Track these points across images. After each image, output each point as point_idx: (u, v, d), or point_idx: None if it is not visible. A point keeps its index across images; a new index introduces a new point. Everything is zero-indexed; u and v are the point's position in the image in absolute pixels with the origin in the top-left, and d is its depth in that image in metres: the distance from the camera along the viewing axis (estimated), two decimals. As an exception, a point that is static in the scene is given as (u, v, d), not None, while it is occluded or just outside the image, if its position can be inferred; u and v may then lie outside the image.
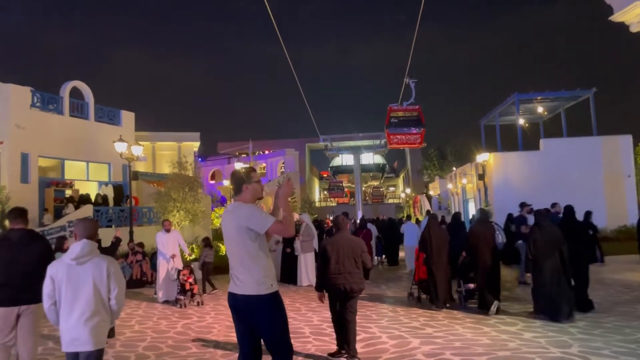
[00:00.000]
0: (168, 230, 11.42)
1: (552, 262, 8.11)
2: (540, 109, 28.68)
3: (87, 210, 17.55)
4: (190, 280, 10.81)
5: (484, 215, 9.82)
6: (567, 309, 7.91)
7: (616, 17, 18.14)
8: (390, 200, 66.78)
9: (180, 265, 11.17)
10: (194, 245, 17.84)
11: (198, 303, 10.75)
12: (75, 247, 3.77)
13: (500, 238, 9.36)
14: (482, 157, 23.38)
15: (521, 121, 29.77)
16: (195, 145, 35.81)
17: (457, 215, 13.59)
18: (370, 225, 17.13)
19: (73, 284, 3.68)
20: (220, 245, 18.01)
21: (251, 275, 3.65)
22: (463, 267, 9.58)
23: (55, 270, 3.73)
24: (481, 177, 23.48)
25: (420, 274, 9.85)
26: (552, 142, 25.14)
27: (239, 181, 3.92)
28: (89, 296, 3.68)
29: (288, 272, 13.48)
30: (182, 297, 10.61)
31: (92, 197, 20.08)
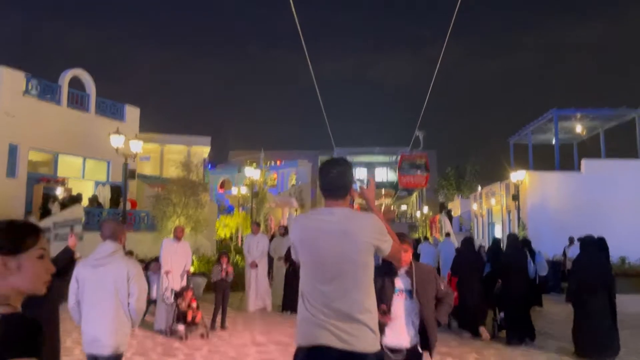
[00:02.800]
0: (179, 239, 9.27)
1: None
2: (578, 128, 26.45)
3: (76, 211, 15.57)
4: (194, 304, 8.70)
5: (514, 240, 9.48)
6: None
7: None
8: (403, 219, 64.54)
9: (177, 286, 8.97)
10: (194, 258, 15.78)
11: (202, 335, 8.56)
12: (99, 247, 3.80)
13: (532, 266, 9.26)
14: (517, 175, 21.17)
15: (555, 140, 27.56)
16: (206, 150, 34.11)
17: (497, 241, 11.78)
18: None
19: (94, 284, 3.69)
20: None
21: (368, 320, 2.50)
22: (498, 294, 9.15)
23: (80, 270, 3.79)
24: (515, 197, 21.25)
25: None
26: (594, 163, 22.87)
27: (345, 178, 2.65)
28: (109, 298, 3.66)
29: (292, 297, 11.20)
30: (180, 327, 8.45)
31: (87, 197, 18.15)
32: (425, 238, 24.83)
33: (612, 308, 7.53)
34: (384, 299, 3.40)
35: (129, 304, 3.71)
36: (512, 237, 9.79)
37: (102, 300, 3.69)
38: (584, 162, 22.65)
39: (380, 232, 2.59)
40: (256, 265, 11.10)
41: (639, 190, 21.49)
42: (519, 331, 8.49)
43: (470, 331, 9.01)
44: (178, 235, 9.24)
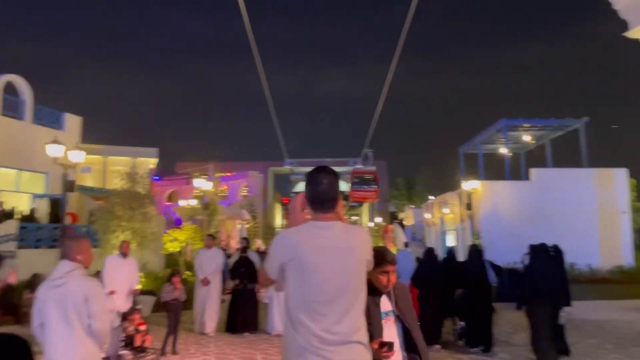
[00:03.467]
0: (125, 255, 8.40)
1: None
2: (526, 138, 27.09)
3: (9, 226, 14.27)
4: (143, 327, 7.87)
5: (475, 251, 9.41)
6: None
7: (631, 34, 16.65)
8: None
9: (123, 307, 8.09)
10: (141, 274, 14.78)
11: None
12: (57, 267, 3.65)
13: (492, 275, 9.00)
14: (471, 184, 21.31)
15: (504, 150, 28.16)
16: (152, 161, 32.84)
17: (451, 250, 12.20)
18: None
19: (53, 306, 3.52)
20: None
21: (363, 337, 2.40)
22: (458, 303, 9.19)
23: (41, 291, 3.64)
24: (469, 206, 21.36)
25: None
26: (543, 172, 23.39)
27: (336, 189, 2.52)
28: (67, 320, 3.49)
29: (234, 316, 10.52)
30: (127, 353, 7.59)
31: (25, 212, 16.79)
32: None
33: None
34: (374, 327, 2.82)
35: (89, 325, 3.52)
36: (473, 248, 9.86)
37: (60, 323, 3.51)
38: (532, 171, 23.11)
39: (370, 246, 2.54)
40: (208, 282, 10.28)
41: (584, 197, 22.10)
42: (480, 339, 8.54)
43: (428, 341, 8.78)
44: (124, 250, 8.41)
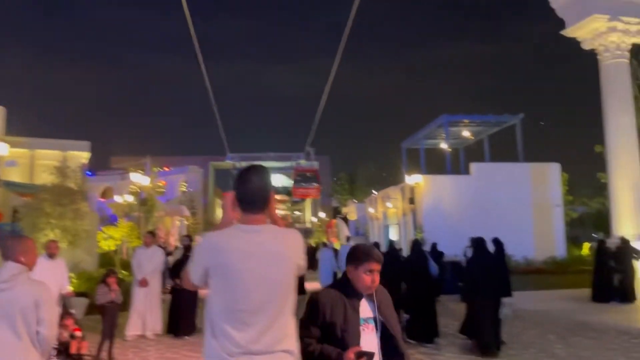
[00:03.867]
0: (52, 256, 7.64)
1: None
2: (465, 133, 27.75)
3: None
4: (78, 333, 7.22)
5: (417, 245, 9.66)
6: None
7: (569, 32, 17.21)
8: (298, 225, 64.49)
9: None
10: (72, 275, 13.85)
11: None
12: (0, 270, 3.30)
13: (434, 268, 9.14)
14: (414, 179, 21.52)
15: (444, 145, 28.76)
16: (85, 155, 31.23)
17: (392, 243, 12.32)
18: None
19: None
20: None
21: (292, 345, 2.29)
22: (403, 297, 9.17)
23: None
24: (412, 200, 21.58)
25: None
26: (482, 166, 23.98)
27: (268, 189, 2.39)
28: (11, 327, 3.16)
29: (175, 317, 9.93)
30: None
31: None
32: (324, 244, 24.58)
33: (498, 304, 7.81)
34: (350, 334, 2.51)
35: (37, 332, 3.21)
36: (415, 242, 10.08)
37: (4, 331, 3.20)
38: (473, 166, 23.65)
39: (303, 249, 2.41)
40: (147, 284, 9.62)
41: (522, 192, 22.86)
42: (424, 332, 8.60)
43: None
44: (51, 251, 7.67)
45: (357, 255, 2.70)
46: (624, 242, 13.67)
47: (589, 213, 30.97)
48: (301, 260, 2.39)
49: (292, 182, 38.99)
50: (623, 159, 14.50)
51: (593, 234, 28.35)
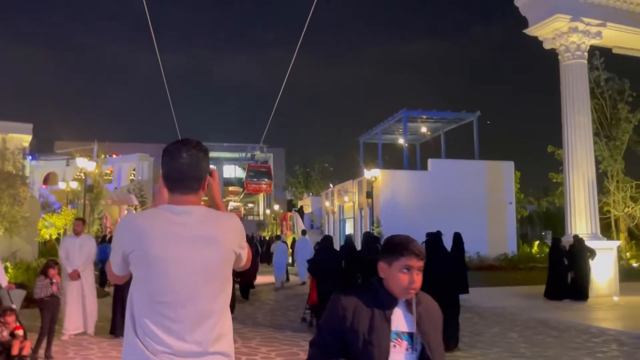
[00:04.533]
0: None
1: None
2: (423, 129, 27.86)
3: None
4: (20, 332, 6.47)
5: (369, 238, 9.65)
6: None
7: (531, 31, 17.31)
8: (250, 217, 63.70)
9: None
10: (9, 264, 12.81)
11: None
12: None
13: None
14: (372, 172, 21.34)
15: (402, 140, 28.81)
16: (26, 139, 29.30)
17: (349, 237, 11.98)
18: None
19: None
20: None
21: (227, 347, 1.99)
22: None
23: None
24: (369, 194, 21.41)
25: (314, 298, 9.33)
26: (440, 162, 24.13)
27: (200, 166, 2.04)
28: None
29: (116, 314, 8.95)
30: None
31: None
32: (278, 237, 24.14)
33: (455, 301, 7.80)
34: (378, 350, 1.95)
35: None
36: (367, 235, 10.18)
37: None
38: (430, 162, 23.74)
39: (243, 237, 2.12)
40: (78, 276, 8.69)
41: (477, 189, 23.11)
42: None
43: None
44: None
45: (392, 247, 2.10)
46: (578, 240, 13.86)
47: (537, 211, 31.80)
48: (240, 248, 2.06)
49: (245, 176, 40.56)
50: (579, 158, 14.69)
51: (542, 233, 29.12)
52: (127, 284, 2.06)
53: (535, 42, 16.46)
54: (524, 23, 16.18)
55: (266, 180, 39.36)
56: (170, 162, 2.03)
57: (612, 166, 21.58)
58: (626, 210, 22.95)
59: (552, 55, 16.22)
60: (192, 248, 1.94)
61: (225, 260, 2.01)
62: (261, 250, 16.23)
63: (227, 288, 2.04)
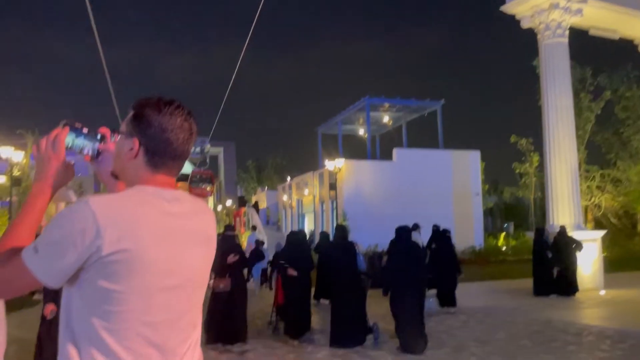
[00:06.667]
0: None
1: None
2: (385, 119, 26.68)
3: None
4: None
5: (342, 232, 8.49)
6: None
7: (508, 8, 16.30)
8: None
9: None
10: None
11: None
12: None
13: (361, 258, 8.32)
14: (335, 163, 19.89)
15: (362, 131, 27.58)
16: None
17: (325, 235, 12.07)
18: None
19: None
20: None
21: None
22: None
23: None
24: (333, 186, 19.96)
25: (279, 299, 8.56)
26: (405, 152, 22.99)
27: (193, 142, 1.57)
28: None
29: None
30: None
31: None
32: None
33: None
34: None
35: None
36: (340, 229, 8.82)
37: None
38: (395, 151, 22.56)
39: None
40: None
41: (443, 180, 22.12)
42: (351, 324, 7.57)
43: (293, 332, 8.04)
44: None
45: None
46: (562, 231, 12.90)
47: (498, 203, 31.37)
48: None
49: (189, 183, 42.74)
50: (562, 142, 13.75)
51: (504, 224, 28.62)
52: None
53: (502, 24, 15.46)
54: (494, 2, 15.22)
55: (208, 185, 39.48)
56: (162, 132, 1.43)
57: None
58: (593, 199, 22.59)
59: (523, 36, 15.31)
60: (190, 248, 1.45)
61: (211, 264, 1.58)
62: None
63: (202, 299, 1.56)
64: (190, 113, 1.50)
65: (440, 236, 11.77)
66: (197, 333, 1.51)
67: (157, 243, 1.36)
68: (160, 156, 1.45)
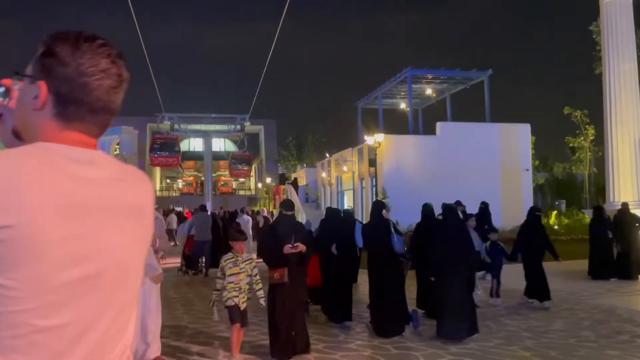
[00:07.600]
0: None
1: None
2: (428, 91, 25.46)
3: None
4: None
5: (376, 208, 7.74)
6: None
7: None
8: (242, 192, 61.60)
9: None
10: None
11: None
12: None
13: (396, 239, 7.47)
14: (376, 138, 19.05)
15: (404, 105, 26.49)
16: None
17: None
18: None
19: None
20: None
21: None
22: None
23: None
24: (372, 162, 19.17)
25: (310, 280, 7.34)
26: (449, 126, 21.87)
27: (122, 95, 1.19)
28: None
29: None
30: None
31: None
32: (242, 210, 21.85)
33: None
34: None
35: None
36: (375, 205, 8.11)
37: None
38: (439, 125, 21.48)
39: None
40: None
41: (490, 154, 20.95)
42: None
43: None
44: None
45: None
46: (624, 209, 11.76)
47: (549, 180, 29.76)
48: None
49: (235, 149, 45.33)
50: (625, 112, 12.51)
51: (556, 202, 27.10)
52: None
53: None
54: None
55: (246, 167, 42.82)
56: (79, 75, 1.12)
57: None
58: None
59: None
60: (110, 224, 1.11)
61: (148, 245, 1.27)
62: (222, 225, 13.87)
63: (137, 296, 1.27)
64: (120, 55, 1.20)
65: (532, 218, 10.18)
66: (126, 339, 1.18)
67: (58, 218, 1.02)
68: (76, 107, 1.13)
